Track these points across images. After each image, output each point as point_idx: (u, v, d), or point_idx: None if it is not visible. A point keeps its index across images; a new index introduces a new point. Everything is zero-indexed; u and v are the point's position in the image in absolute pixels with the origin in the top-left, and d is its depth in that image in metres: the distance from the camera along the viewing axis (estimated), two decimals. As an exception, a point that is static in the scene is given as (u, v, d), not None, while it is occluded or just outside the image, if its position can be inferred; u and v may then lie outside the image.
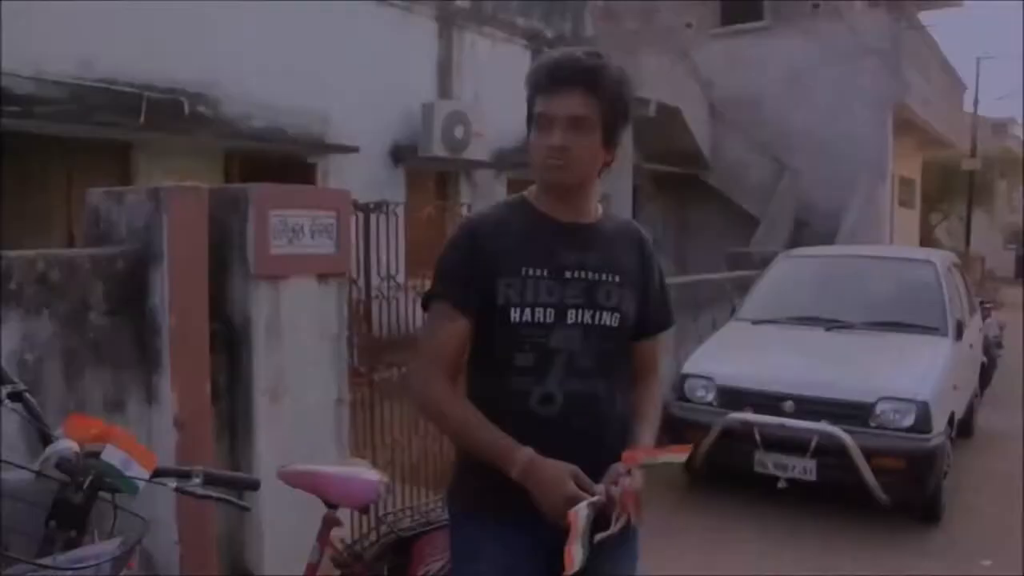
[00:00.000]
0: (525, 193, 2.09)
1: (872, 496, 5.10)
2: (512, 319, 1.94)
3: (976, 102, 27.70)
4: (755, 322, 6.72)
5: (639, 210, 14.65)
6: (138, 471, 1.88)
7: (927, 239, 26.00)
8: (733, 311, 7.19)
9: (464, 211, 5.10)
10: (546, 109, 1.94)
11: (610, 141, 1.99)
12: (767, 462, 5.29)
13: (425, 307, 2.04)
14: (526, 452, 1.84)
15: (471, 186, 12.19)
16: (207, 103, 8.78)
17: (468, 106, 11.47)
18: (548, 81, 1.94)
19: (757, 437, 5.25)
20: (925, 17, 20.84)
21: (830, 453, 5.13)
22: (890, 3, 18.17)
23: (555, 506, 1.79)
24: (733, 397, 5.55)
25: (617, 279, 2.02)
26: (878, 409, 5.20)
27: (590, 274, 1.99)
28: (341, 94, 9.93)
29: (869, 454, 5.04)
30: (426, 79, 11.35)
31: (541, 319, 1.94)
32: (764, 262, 8.67)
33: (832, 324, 6.34)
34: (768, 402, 5.40)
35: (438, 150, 10.78)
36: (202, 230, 3.13)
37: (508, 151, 12.56)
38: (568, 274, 1.97)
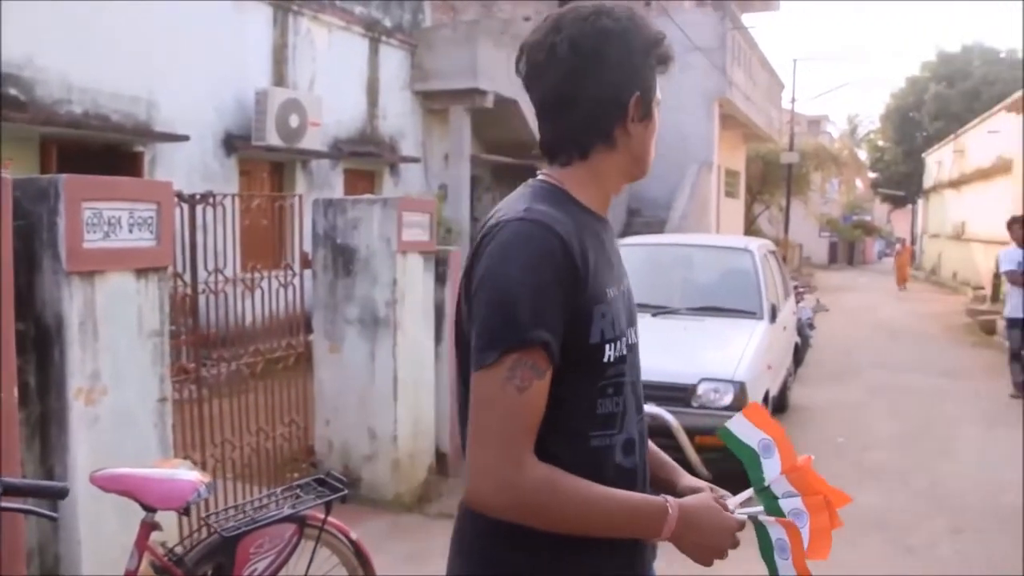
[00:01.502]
0: (553, 182, 1.52)
1: (695, 472, 5.40)
2: (606, 358, 1.43)
3: (793, 100, 29.93)
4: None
5: (476, 201, 14.79)
6: (-72, 484, 1.78)
7: (750, 228, 27.55)
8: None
9: (295, 202, 4.98)
10: (659, 92, 1.59)
11: None
12: (598, 444, 5.50)
13: (489, 361, 1.33)
14: (667, 499, 1.44)
15: (307, 176, 11.97)
16: (19, 85, 8.19)
17: (303, 95, 11.24)
18: (670, 60, 1.57)
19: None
20: (747, 19, 22.05)
21: (657, 433, 5.34)
22: (716, 3, 19.11)
23: (722, 543, 1.46)
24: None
25: (629, 281, 1.62)
26: (700, 390, 5.51)
27: (627, 280, 1.59)
28: (170, 79, 9.50)
29: (692, 433, 5.32)
30: (260, 66, 11.02)
31: (623, 351, 1.47)
32: (598, 251, 8.95)
33: (659, 310, 6.64)
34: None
35: (272, 139, 10.50)
36: (6, 223, 2.94)
37: (344, 140, 12.41)
38: (623, 285, 1.54)
